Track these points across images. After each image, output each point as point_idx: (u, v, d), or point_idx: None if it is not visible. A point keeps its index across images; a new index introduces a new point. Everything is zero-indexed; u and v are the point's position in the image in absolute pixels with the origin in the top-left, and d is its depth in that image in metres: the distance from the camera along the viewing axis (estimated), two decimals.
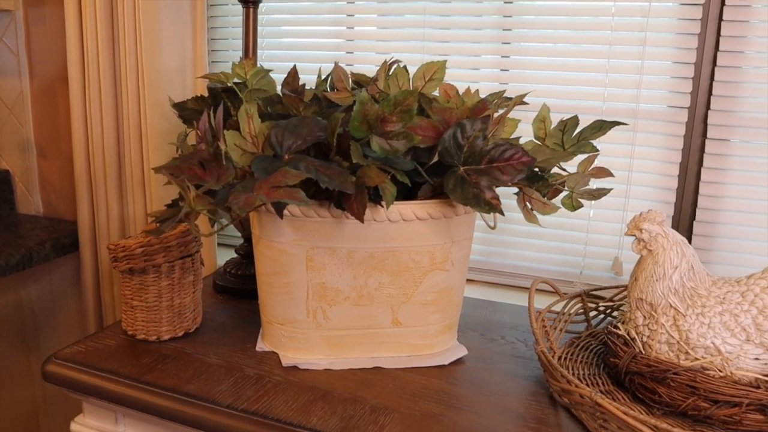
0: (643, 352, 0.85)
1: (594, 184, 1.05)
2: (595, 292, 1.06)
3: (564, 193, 0.99)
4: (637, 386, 0.84)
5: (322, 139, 0.82)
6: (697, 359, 0.81)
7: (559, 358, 0.95)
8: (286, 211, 0.85)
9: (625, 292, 1.05)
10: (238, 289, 1.17)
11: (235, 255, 1.24)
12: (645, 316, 0.85)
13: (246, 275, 1.18)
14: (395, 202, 0.83)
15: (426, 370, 0.93)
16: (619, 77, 1.18)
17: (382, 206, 0.85)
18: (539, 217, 0.95)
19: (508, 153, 0.82)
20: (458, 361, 0.96)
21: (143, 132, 1.29)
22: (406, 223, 0.87)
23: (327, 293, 0.90)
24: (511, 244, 1.31)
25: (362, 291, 0.90)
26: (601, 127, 0.93)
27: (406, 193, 0.88)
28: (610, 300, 1.06)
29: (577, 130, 0.94)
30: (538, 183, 0.92)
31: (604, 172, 1.01)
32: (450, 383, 0.90)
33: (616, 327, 0.90)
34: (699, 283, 0.84)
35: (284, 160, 0.80)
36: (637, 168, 1.20)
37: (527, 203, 0.96)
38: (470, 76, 1.27)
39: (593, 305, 1.06)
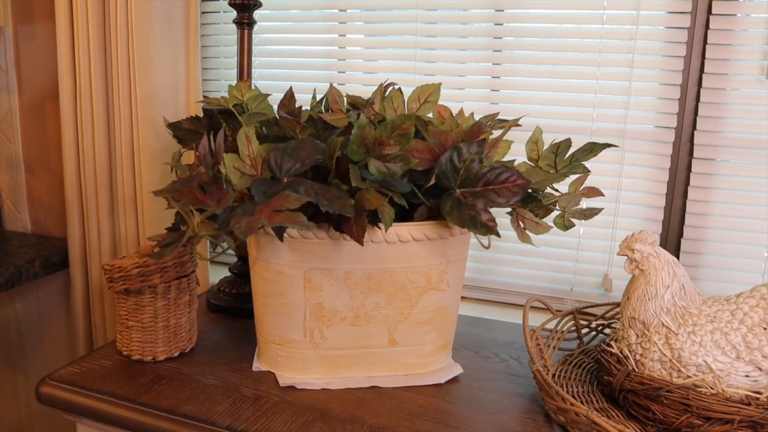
0: (636, 370, 0.86)
1: (584, 203, 1.08)
2: (586, 310, 1.08)
3: (556, 213, 1.01)
4: (630, 404, 0.86)
5: (321, 162, 0.83)
6: (689, 377, 0.83)
7: (553, 375, 0.96)
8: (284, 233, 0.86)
9: (616, 309, 1.08)
10: (232, 308, 1.17)
11: (228, 273, 1.24)
12: (638, 335, 0.87)
13: (240, 294, 1.19)
14: (392, 224, 0.84)
15: (422, 389, 0.94)
16: (607, 98, 1.21)
17: (380, 228, 0.86)
18: (532, 236, 0.97)
19: (503, 176, 0.84)
20: (454, 380, 0.97)
21: (135, 150, 1.30)
22: (402, 245, 0.88)
23: (324, 314, 0.91)
24: (503, 262, 1.33)
25: (359, 311, 0.91)
26: (593, 149, 0.95)
27: (402, 215, 0.89)
28: (602, 317, 1.08)
29: (570, 152, 0.96)
30: (532, 204, 0.94)
31: (594, 192, 1.03)
32: (446, 402, 0.91)
33: (609, 345, 0.92)
34: (690, 302, 0.86)
35: (283, 183, 0.81)
36: (625, 187, 1.22)
37: (520, 223, 0.98)
38: (462, 96, 1.30)
39: (585, 323, 1.08)
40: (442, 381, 0.96)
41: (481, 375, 0.99)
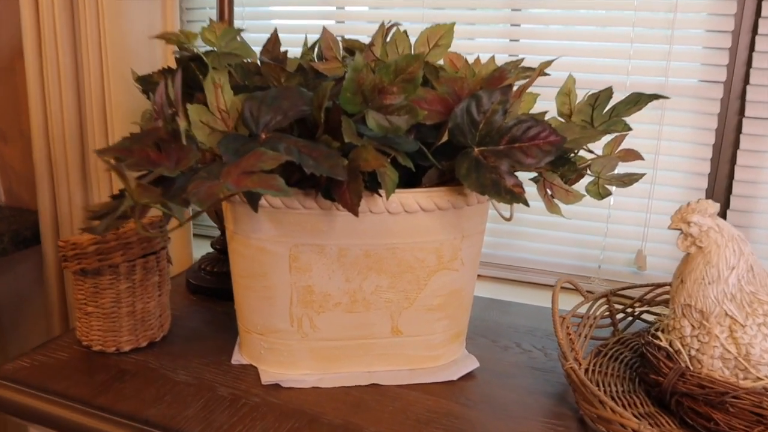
0: (692, 368, 0.70)
1: (619, 168, 0.90)
2: (622, 292, 0.91)
3: (588, 179, 0.84)
4: (686, 410, 0.69)
5: (307, 114, 0.66)
6: (760, 379, 0.66)
7: (586, 370, 0.80)
8: (263, 202, 0.69)
9: (657, 291, 0.91)
10: (214, 289, 1.01)
11: (211, 249, 1.08)
12: (694, 326, 0.70)
13: (223, 273, 1.02)
14: (396, 191, 0.67)
15: (432, 388, 0.78)
16: (645, 48, 1.02)
17: (381, 195, 0.69)
18: (561, 206, 0.80)
19: (533, 131, 0.66)
20: (468, 376, 0.81)
21: (107, 111, 1.13)
22: (408, 216, 0.71)
23: (314, 298, 0.75)
24: (521, 236, 1.16)
25: (356, 295, 0.75)
26: (638, 101, 0.78)
27: (408, 180, 0.72)
28: (639, 300, 0.91)
29: (609, 105, 0.79)
30: (564, 167, 0.77)
31: (632, 155, 0.86)
32: (461, 404, 0.74)
33: (655, 336, 0.75)
34: (760, 287, 0.69)
35: (261, 139, 0.64)
36: (664, 150, 1.04)
37: (548, 191, 0.81)
38: (475, 47, 1.11)
39: (620, 307, 0.91)
40: (455, 377, 0.79)
41: (500, 369, 0.83)
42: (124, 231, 0.81)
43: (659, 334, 0.75)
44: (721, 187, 1.05)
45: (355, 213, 0.62)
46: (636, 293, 0.91)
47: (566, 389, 0.78)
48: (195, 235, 1.28)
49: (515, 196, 0.65)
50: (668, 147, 1.04)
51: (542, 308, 1.01)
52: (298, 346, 0.77)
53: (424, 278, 0.75)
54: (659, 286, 0.91)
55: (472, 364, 0.82)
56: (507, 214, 0.83)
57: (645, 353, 0.75)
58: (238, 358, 0.82)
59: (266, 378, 0.77)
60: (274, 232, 0.72)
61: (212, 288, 1.01)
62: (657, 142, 1.04)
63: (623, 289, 0.92)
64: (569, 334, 0.80)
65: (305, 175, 0.66)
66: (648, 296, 0.90)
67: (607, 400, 0.65)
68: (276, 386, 0.76)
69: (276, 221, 0.71)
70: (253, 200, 0.63)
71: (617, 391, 0.76)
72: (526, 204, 0.65)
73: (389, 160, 0.65)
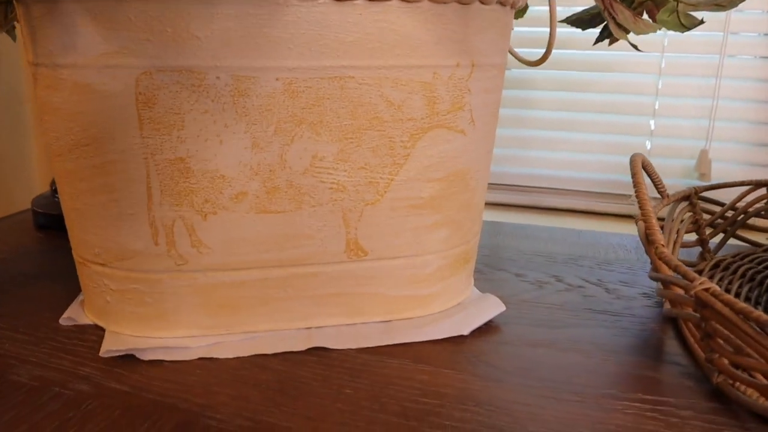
0: None
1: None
2: (707, 194, 0.56)
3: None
4: None
5: None
6: None
7: None
8: None
9: (759, 192, 0.56)
10: None
11: None
12: None
13: None
14: None
15: (424, 351, 0.40)
16: None
17: None
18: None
19: None
20: (489, 327, 0.43)
21: None
22: (372, 10, 0.34)
23: (194, 185, 0.36)
24: (531, 142, 0.79)
25: (275, 178, 0.37)
26: None
27: None
28: (732, 207, 0.55)
29: None
30: None
31: None
32: (480, 378, 0.37)
33: None
34: None
35: None
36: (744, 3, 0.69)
37: (610, 13, 0.45)
38: None
39: (709, 215, 0.55)
40: (467, 331, 0.42)
41: (540, 316, 0.46)
42: None
43: None
44: None
45: None
46: (718, 195, 0.56)
47: (663, 343, 0.42)
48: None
49: None
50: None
51: (577, 232, 0.65)
52: (172, 284, 0.39)
53: (403, 142, 0.38)
54: (761, 184, 0.56)
55: (492, 307, 0.44)
56: (533, 55, 0.45)
57: None
58: (73, 313, 0.43)
59: (109, 345, 0.38)
60: (104, 47, 0.33)
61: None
62: None
63: (711, 188, 0.56)
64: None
65: None
66: (744, 199, 0.55)
67: None
68: (129, 360, 0.38)
69: (103, 22, 0.33)
70: None
71: None
72: None
73: None
